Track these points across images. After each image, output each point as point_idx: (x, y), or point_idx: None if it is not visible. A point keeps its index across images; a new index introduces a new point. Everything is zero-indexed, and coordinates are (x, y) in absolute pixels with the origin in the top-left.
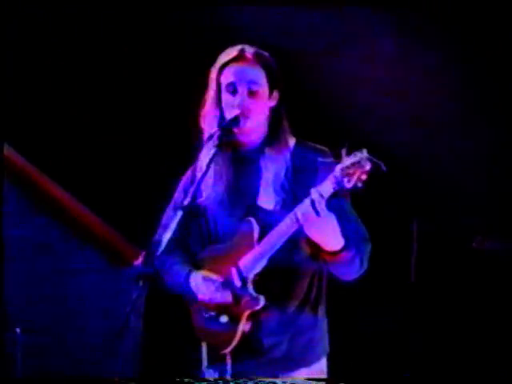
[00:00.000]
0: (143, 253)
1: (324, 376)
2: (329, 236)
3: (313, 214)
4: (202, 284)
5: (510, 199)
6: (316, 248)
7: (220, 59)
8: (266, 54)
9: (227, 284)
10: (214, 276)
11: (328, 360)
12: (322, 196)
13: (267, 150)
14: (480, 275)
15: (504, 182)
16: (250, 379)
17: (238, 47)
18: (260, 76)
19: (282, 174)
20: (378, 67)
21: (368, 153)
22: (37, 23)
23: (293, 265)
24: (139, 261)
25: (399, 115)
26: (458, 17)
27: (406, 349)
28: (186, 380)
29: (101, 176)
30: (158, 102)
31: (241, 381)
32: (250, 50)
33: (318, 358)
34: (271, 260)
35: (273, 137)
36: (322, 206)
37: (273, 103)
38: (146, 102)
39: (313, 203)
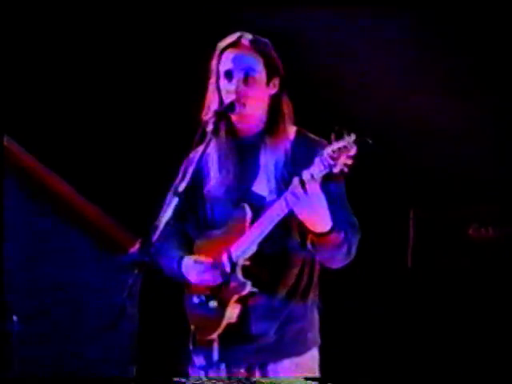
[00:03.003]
0: (139, 240)
1: (314, 366)
2: (317, 216)
3: (301, 192)
4: (193, 267)
5: (507, 187)
6: (305, 230)
7: (218, 46)
8: (265, 40)
9: (216, 265)
10: (204, 259)
11: (320, 350)
12: (312, 176)
13: (267, 139)
14: (476, 262)
15: (501, 169)
16: (249, 380)
17: (237, 34)
18: (256, 63)
19: (281, 163)
20: (379, 52)
21: (357, 136)
22: (38, 12)
23: (283, 252)
24: (135, 248)
25: (399, 102)
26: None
27: (401, 337)
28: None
29: (97, 162)
30: (158, 88)
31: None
32: (247, 37)
33: (308, 348)
34: (262, 246)
35: (273, 125)
36: (311, 185)
37: (273, 91)
38: (145, 88)
39: (302, 182)
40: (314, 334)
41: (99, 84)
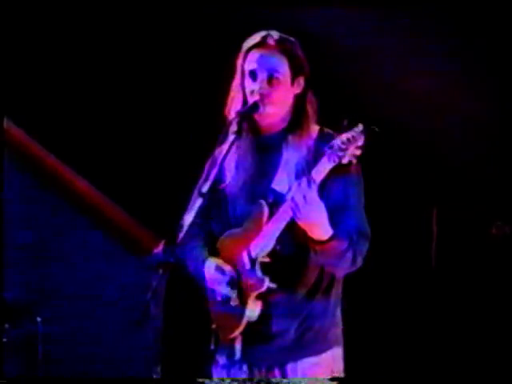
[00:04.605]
0: (163, 241)
1: (335, 365)
2: (315, 223)
3: (301, 199)
4: (214, 274)
5: None
6: (305, 236)
7: (244, 45)
8: (291, 39)
9: (233, 282)
10: (226, 267)
11: (344, 349)
12: (314, 181)
13: (290, 137)
14: (500, 261)
15: None
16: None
17: (263, 33)
18: (281, 63)
19: (303, 161)
20: (403, 49)
21: (364, 126)
22: None
23: (303, 250)
24: (159, 249)
25: (422, 101)
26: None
27: (425, 336)
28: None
29: (121, 163)
30: (183, 85)
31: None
32: (273, 37)
33: (328, 347)
34: (282, 243)
35: (296, 124)
36: (310, 192)
37: (297, 90)
38: (170, 84)
39: (301, 188)
40: (336, 333)
41: (127, 78)
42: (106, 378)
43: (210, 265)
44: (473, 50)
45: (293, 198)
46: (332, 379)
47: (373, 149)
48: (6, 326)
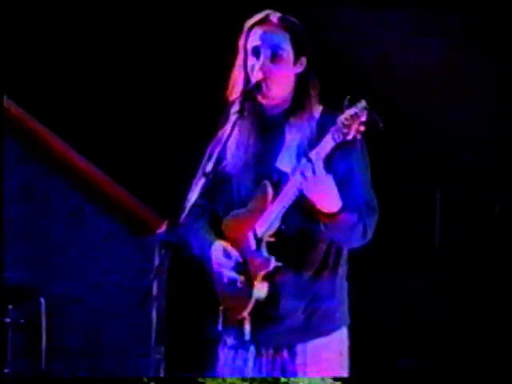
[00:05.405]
0: (166, 221)
1: (343, 346)
2: (325, 196)
3: (309, 172)
4: (220, 258)
5: None
6: (314, 210)
7: (246, 24)
8: (293, 19)
9: (240, 267)
10: (233, 252)
11: (349, 330)
12: (319, 155)
13: (292, 117)
14: (503, 240)
15: None
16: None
17: (265, 12)
18: (285, 40)
19: (306, 141)
20: (406, 32)
21: (367, 104)
22: None
23: (309, 228)
24: (162, 229)
25: (427, 84)
26: None
27: (428, 314)
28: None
29: (125, 143)
30: (187, 64)
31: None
32: (275, 15)
33: (337, 327)
34: (287, 222)
35: (298, 104)
36: (318, 164)
37: (299, 70)
38: (174, 63)
39: (310, 161)
40: (343, 313)
41: (129, 61)
42: (105, 378)
43: (217, 248)
44: (472, 26)
45: (302, 172)
46: (335, 379)
47: (378, 128)
48: (10, 306)
